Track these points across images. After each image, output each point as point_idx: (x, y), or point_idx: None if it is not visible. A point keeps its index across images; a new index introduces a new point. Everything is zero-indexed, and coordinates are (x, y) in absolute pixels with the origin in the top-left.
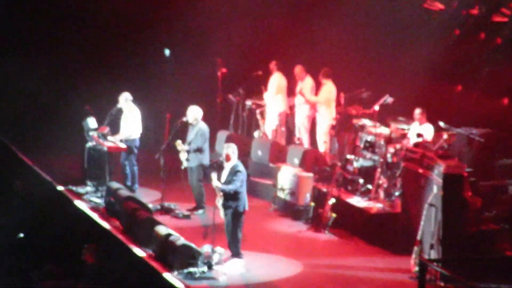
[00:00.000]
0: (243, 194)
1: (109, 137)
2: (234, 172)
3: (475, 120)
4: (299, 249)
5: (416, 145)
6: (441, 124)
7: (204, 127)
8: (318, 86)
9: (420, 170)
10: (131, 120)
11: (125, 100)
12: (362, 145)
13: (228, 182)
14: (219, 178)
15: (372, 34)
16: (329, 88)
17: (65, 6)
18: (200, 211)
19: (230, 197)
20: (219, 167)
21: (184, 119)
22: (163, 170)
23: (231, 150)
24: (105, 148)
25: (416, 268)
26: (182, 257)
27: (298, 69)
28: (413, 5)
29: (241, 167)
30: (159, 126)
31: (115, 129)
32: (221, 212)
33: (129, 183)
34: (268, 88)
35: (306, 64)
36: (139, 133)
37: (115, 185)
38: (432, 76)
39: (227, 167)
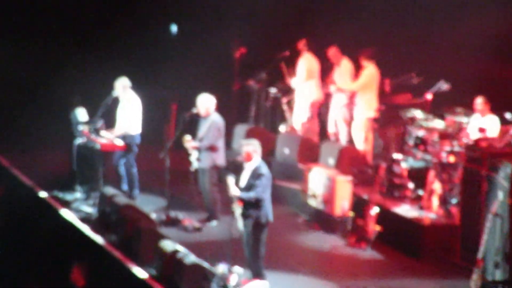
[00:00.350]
0: (266, 202)
1: (103, 133)
2: (256, 175)
3: None
4: (334, 269)
5: (478, 141)
6: (508, 116)
7: (218, 120)
8: (359, 70)
9: (483, 172)
10: (130, 112)
11: (123, 88)
12: (411, 142)
13: (248, 187)
14: (237, 182)
15: (423, 6)
16: (369, 72)
17: None
18: (214, 222)
19: (251, 205)
20: (237, 169)
21: (194, 110)
22: (168, 172)
23: (252, 147)
24: (98, 146)
25: None
26: (192, 279)
27: (332, 51)
28: None
29: (264, 169)
30: (164, 119)
31: (110, 123)
32: (240, 223)
33: (125, 188)
34: (297, 73)
35: (343, 43)
36: (140, 127)
37: (110, 191)
38: (498, 57)
39: (248, 168)
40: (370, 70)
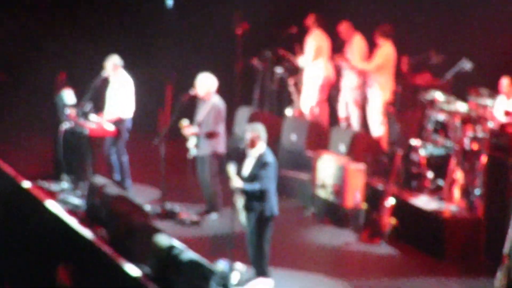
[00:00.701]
0: (271, 194)
1: (92, 117)
2: (261, 163)
3: None
4: (346, 267)
5: (504, 126)
6: None
7: (219, 103)
8: (373, 49)
9: (510, 161)
10: (122, 94)
11: (114, 67)
12: (431, 127)
13: (252, 177)
14: (239, 172)
15: None
16: (386, 52)
17: None
18: (214, 216)
19: (255, 198)
20: (239, 157)
21: (192, 92)
22: (164, 161)
23: (257, 133)
24: (86, 131)
25: None
26: (189, 277)
27: (344, 27)
28: None
29: (270, 157)
30: (158, 102)
31: (100, 106)
32: (242, 216)
33: (117, 178)
34: (305, 51)
35: (356, 19)
36: (132, 111)
37: (100, 180)
38: None
39: (251, 156)
40: (386, 49)
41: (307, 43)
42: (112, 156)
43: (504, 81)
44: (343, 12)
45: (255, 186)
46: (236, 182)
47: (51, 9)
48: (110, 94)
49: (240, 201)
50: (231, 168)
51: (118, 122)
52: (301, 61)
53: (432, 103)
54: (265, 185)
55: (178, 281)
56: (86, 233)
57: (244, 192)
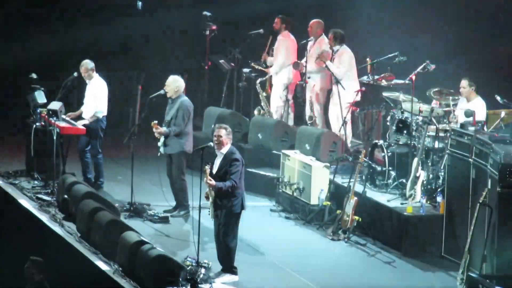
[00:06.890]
0: (241, 189)
1: (63, 115)
2: (230, 161)
3: None
4: (311, 263)
5: (465, 125)
6: (498, 98)
7: (187, 102)
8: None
9: (470, 160)
10: (97, 96)
11: (87, 71)
12: (394, 127)
13: (221, 174)
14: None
15: None
16: (349, 55)
17: None
18: (182, 212)
19: (224, 194)
20: (207, 154)
21: (162, 92)
22: (133, 158)
23: (225, 132)
24: (58, 130)
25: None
26: (157, 273)
27: (315, 24)
28: None
29: (238, 154)
30: (129, 102)
31: (70, 105)
32: (211, 213)
33: (90, 176)
34: (274, 52)
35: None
36: (105, 111)
37: (70, 178)
38: (489, 35)
39: (220, 154)
40: (348, 53)
41: (276, 43)
42: (87, 154)
43: (463, 83)
44: (309, 16)
45: (227, 184)
46: (210, 180)
47: (23, 7)
48: (86, 96)
49: (210, 198)
50: (207, 168)
51: (93, 122)
52: (269, 62)
53: (396, 102)
54: (236, 182)
55: (147, 276)
56: (56, 228)
57: (215, 189)
